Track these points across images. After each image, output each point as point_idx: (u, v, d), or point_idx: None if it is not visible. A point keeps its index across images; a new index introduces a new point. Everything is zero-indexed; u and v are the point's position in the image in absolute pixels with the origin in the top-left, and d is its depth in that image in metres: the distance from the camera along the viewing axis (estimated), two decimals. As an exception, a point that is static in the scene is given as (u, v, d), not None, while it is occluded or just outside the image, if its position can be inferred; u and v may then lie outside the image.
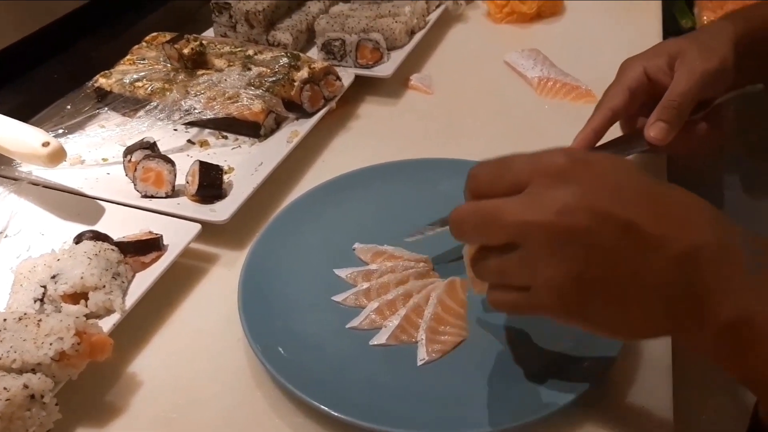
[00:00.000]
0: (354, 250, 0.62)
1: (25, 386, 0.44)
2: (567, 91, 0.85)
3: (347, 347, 0.53)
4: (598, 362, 0.49)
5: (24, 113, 0.71)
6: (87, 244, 0.56)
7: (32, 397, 0.45)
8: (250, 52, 0.85)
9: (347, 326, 0.55)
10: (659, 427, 0.47)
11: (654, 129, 0.58)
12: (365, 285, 0.58)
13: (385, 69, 0.86)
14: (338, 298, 0.57)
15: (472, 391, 0.49)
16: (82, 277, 0.53)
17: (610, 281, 0.38)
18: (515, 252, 0.39)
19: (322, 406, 0.47)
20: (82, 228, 0.62)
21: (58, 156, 0.61)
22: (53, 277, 0.54)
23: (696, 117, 0.61)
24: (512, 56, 0.92)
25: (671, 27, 1.17)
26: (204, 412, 0.50)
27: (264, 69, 0.81)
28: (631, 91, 0.61)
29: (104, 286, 0.54)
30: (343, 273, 0.60)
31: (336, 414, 0.46)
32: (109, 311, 0.54)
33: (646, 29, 1.00)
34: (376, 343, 0.53)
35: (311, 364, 0.51)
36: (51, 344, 0.46)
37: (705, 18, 1.14)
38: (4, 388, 0.44)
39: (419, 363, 0.51)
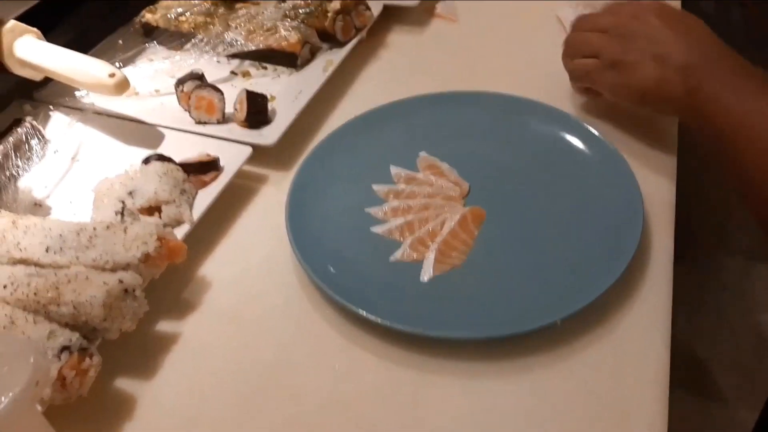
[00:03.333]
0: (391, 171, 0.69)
1: (120, 281, 0.53)
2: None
3: (370, 255, 0.60)
4: (581, 296, 0.54)
5: (79, 48, 0.76)
6: (156, 165, 0.64)
7: (126, 291, 0.53)
8: (284, -16, 0.90)
9: (371, 229, 0.63)
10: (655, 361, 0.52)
11: None
12: (395, 202, 0.65)
13: (412, -1, 0.91)
14: (370, 210, 0.65)
15: (467, 302, 0.56)
16: (155, 193, 0.61)
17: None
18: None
19: (344, 301, 0.55)
20: (145, 152, 0.70)
21: (123, 85, 0.68)
22: (130, 193, 0.62)
23: None
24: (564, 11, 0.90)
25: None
26: (260, 306, 0.59)
27: (298, 1, 0.86)
28: None
29: (174, 201, 0.62)
30: (377, 188, 0.67)
31: (351, 306, 0.55)
32: (179, 222, 0.62)
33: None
34: (392, 259, 0.60)
35: (339, 267, 0.59)
36: (138, 247, 0.55)
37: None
38: (104, 282, 0.52)
39: (424, 279, 0.58)
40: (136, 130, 0.74)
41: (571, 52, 0.72)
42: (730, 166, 0.58)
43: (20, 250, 0.58)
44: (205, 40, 0.84)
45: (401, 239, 0.62)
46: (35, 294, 0.53)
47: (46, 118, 0.76)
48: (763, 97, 0.57)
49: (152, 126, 0.74)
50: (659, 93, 0.63)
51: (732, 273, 0.94)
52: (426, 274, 0.58)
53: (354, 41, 0.85)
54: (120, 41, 0.86)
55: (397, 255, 0.60)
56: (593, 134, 0.68)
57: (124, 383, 0.54)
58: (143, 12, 0.88)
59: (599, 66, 0.68)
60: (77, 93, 0.78)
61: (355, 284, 0.57)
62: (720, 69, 0.60)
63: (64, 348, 0.49)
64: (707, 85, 0.59)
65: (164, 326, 0.58)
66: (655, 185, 0.65)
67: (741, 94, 0.58)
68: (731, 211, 1.01)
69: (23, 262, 0.58)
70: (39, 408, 0.48)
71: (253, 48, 0.82)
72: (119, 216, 0.61)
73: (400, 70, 0.85)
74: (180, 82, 0.76)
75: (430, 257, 0.59)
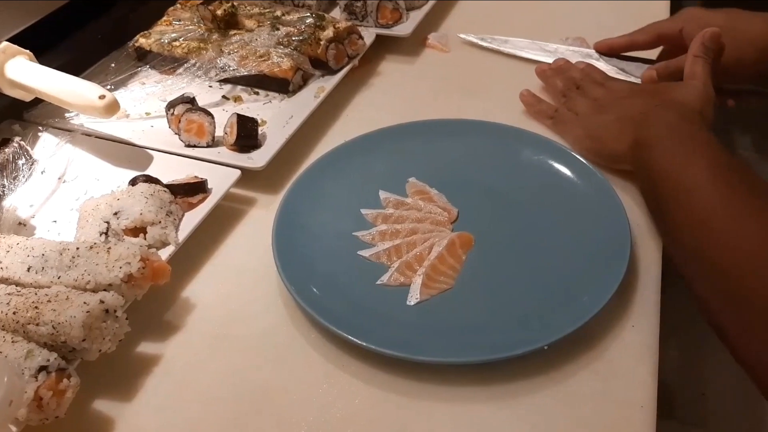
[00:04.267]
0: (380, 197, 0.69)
1: (101, 301, 0.52)
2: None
3: (356, 279, 0.60)
4: (565, 320, 0.54)
5: (72, 71, 0.76)
6: (142, 186, 0.64)
7: (107, 311, 0.52)
8: (278, 12, 0.91)
9: (358, 252, 0.62)
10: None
11: (647, 72, 0.79)
12: (383, 227, 0.65)
13: (404, 28, 0.92)
14: (357, 233, 0.64)
15: (455, 327, 0.56)
16: (141, 214, 0.61)
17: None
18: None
19: (330, 325, 0.54)
20: (133, 174, 0.69)
21: (112, 108, 0.68)
22: (115, 213, 0.61)
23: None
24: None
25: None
26: (244, 329, 0.58)
27: (291, 29, 0.87)
28: (659, 36, 0.81)
29: (160, 222, 0.61)
30: (365, 212, 0.67)
31: (338, 330, 0.54)
32: (165, 244, 0.61)
33: None
34: (379, 283, 0.60)
35: (326, 290, 0.58)
36: (120, 267, 0.54)
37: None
38: (84, 302, 0.51)
39: (411, 303, 0.58)
40: (125, 152, 0.74)
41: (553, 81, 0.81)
42: (656, 214, 0.63)
43: (1, 269, 0.57)
44: (197, 64, 0.85)
45: (389, 263, 0.61)
46: (14, 313, 0.52)
47: (35, 139, 0.75)
48: (694, 159, 0.58)
49: (141, 148, 0.74)
50: (613, 145, 0.68)
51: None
52: (413, 298, 0.58)
53: (346, 69, 0.85)
54: (113, 64, 0.87)
55: (384, 279, 0.60)
56: (582, 163, 0.69)
57: (103, 405, 0.52)
58: (137, 36, 0.89)
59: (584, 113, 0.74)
60: (67, 114, 0.78)
61: (341, 307, 0.57)
62: (665, 127, 0.62)
63: (42, 368, 0.48)
64: (651, 140, 0.62)
65: (146, 348, 0.57)
66: (643, 213, 0.65)
67: (676, 153, 0.59)
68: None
69: (4, 281, 0.57)
70: (13, 428, 0.47)
71: (246, 73, 0.83)
72: (103, 236, 0.60)
73: (391, 98, 0.86)
74: (171, 105, 0.76)
75: (418, 281, 0.59)
